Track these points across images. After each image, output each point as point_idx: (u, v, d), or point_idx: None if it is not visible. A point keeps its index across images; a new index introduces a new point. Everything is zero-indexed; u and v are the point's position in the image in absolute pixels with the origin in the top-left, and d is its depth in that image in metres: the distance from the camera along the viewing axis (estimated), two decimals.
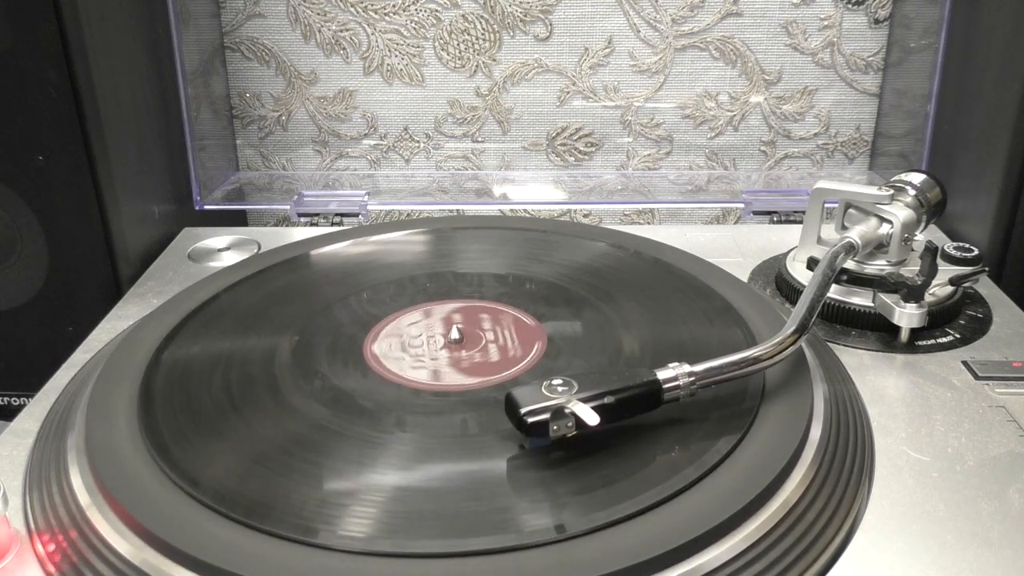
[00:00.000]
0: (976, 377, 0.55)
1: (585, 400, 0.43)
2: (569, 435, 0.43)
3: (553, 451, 0.43)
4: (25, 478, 0.47)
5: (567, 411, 0.42)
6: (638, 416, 0.45)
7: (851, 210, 0.63)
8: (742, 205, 0.85)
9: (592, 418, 0.42)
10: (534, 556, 0.37)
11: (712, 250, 0.73)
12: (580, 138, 0.95)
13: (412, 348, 0.54)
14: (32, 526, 0.43)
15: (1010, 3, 0.70)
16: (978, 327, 0.60)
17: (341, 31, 0.91)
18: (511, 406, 0.43)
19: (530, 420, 0.42)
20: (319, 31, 0.91)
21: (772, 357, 0.47)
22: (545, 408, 0.42)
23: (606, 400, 0.43)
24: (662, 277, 0.63)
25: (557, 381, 0.44)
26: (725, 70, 0.92)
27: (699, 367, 0.46)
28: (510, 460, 0.43)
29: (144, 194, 0.76)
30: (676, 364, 0.46)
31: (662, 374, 0.45)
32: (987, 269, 0.62)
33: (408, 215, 0.98)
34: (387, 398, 0.49)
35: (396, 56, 0.92)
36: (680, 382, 0.45)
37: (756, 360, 0.47)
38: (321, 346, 0.55)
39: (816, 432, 0.46)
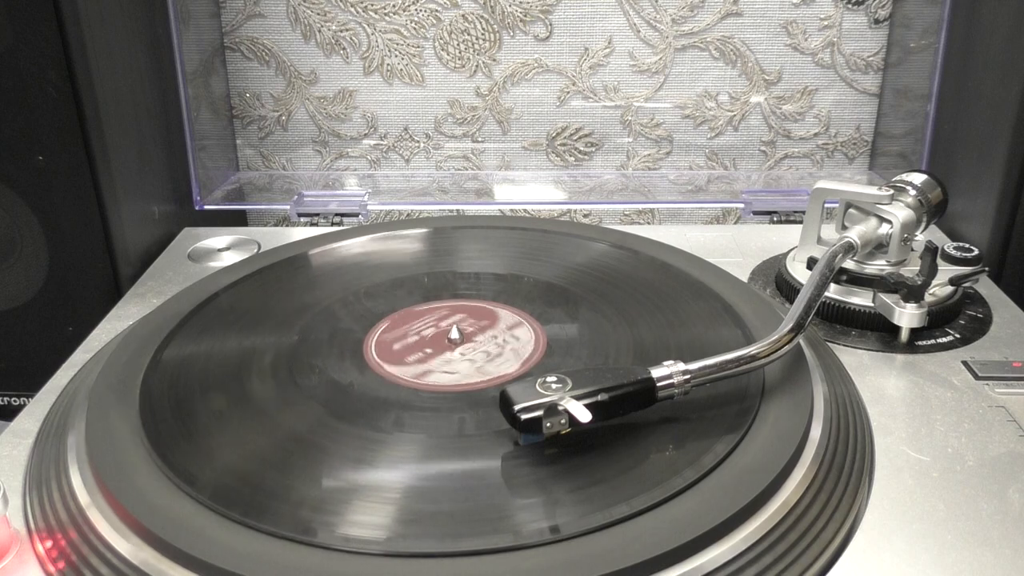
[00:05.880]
0: (976, 377, 0.54)
1: (579, 397, 0.43)
2: (563, 432, 0.43)
3: (549, 449, 0.44)
4: (25, 478, 0.47)
5: (560, 408, 0.42)
6: (639, 416, 0.45)
7: (851, 210, 0.63)
8: (742, 205, 0.85)
9: (584, 415, 0.42)
10: (533, 556, 0.37)
11: (712, 250, 0.73)
12: (580, 138, 0.95)
13: (411, 348, 0.54)
14: (32, 526, 0.43)
15: (1010, 3, 0.70)
16: (978, 327, 0.60)
17: (341, 31, 0.91)
18: (505, 403, 0.43)
19: (523, 417, 0.42)
20: (319, 31, 0.91)
21: (768, 356, 0.47)
22: (538, 405, 0.42)
23: (600, 397, 0.43)
24: (662, 277, 0.63)
25: (551, 378, 0.44)
26: (725, 70, 0.92)
27: (694, 365, 0.46)
28: (509, 460, 0.44)
29: (144, 194, 0.76)
30: (671, 362, 0.46)
31: (656, 372, 0.45)
32: (987, 269, 0.62)
33: (408, 215, 0.98)
34: (386, 398, 0.49)
35: (396, 56, 0.92)
36: (674, 380, 0.45)
37: (752, 358, 0.47)
38: (320, 346, 0.55)
39: (816, 432, 0.46)
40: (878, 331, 0.59)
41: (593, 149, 0.96)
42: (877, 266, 0.61)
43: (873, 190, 0.62)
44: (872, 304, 0.59)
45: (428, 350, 0.54)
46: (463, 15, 0.90)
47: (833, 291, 0.61)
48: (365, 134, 0.96)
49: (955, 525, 0.43)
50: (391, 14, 0.90)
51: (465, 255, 0.69)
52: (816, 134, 0.95)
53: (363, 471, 0.43)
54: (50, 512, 0.43)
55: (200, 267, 0.73)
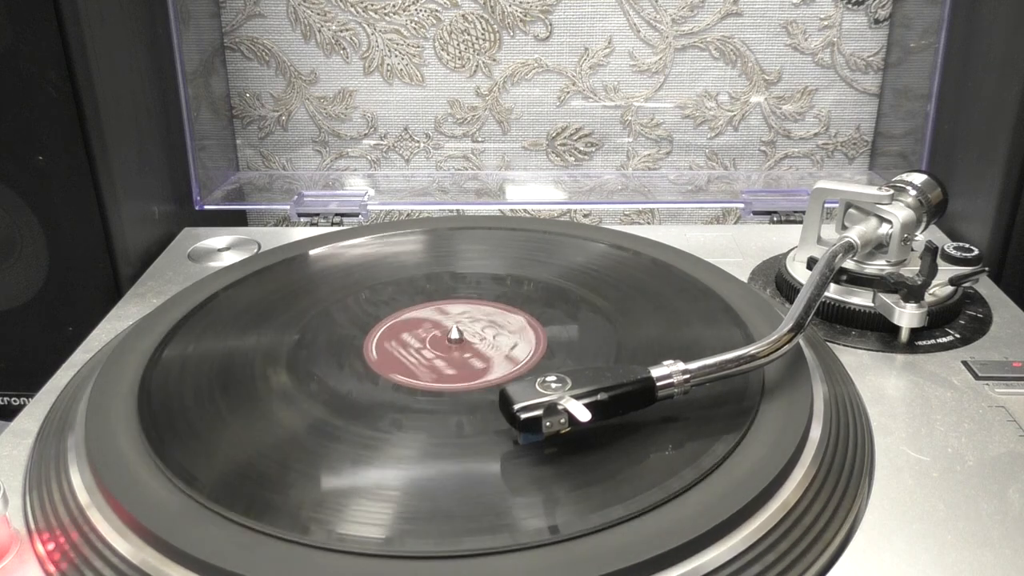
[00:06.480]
0: (976, 377, 0.54)
1: (578, 396, 0.43)
2: (562, 431, 0.43)
3: (549, 448, 0.44)
4: (25, 478, 0.47)
5: (560, 407, 0.42)
6: (639, 416, 0.45)
7: (851, 210, 0.63)
8: (742, 205, 0.85)
9: (583, 414, 0.42)
10: (533, 557, 0.37)
11: (712, 250, 0.73)
12: (580, 138, 0.95)
13: (411, 348, 0.54)
14: (32, 526, 0.43)
15: (1010, 3, 0.70)
16: (978, 327, 0.60)
17: (341, 31, 0.91)
18: (504, 402, 0.43)
19: (523, 416, 0.42)
20: (319, 31, 0.91)
21: (768, 355, 0.47)
22: (538, 404, 0.42)
23: (599, 397, 0.43)
24: (662, 277, 0.63)
25: (551, 377, 0.44)
26: (725, 70, 0.92)
27: (693, 365, 0.46)
28: (508, 461, 0.43)
29: (144, 194, 0.76)
30: (671, 362, 0.46)
31: (656, 371, 0.45)
32: (987, 269, 0.62)
33: (408, 215, 0.98)
34: (385, 398, 0.49)
35: (396, 56, 0.92)
36: (674, 379, 0.45)
37: (752, 358, 0.47)
38: (320, 346, 0.55)
39: (816, 432, 0.46)
40: (878, 331, 0.59)
41: (593, 149, 0.96)
42: (877, 266, 0.61)
43: (873, 190, 0.62)
44: (872, 304, 0.59)
45: (428, 350, 0.54)
46: (463, 15, 0.90)
47: (833, 291, 0.61)
48: (365, 134, 0.96)
49: (955, 525, 0.43)
50: (391, 14, 0.90)
51: (465, 255, 0.69)
52: (816, 134, 0.95)
53: (363, 471, 0.43)
54: (50, 512, 0.43)
55: (200, 267, 0.73)
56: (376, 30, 0.91)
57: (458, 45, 0.91)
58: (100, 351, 0.59)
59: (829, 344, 0.58)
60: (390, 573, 0.37)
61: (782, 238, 0.76)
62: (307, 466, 0.43)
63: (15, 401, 0.74)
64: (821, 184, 0.64)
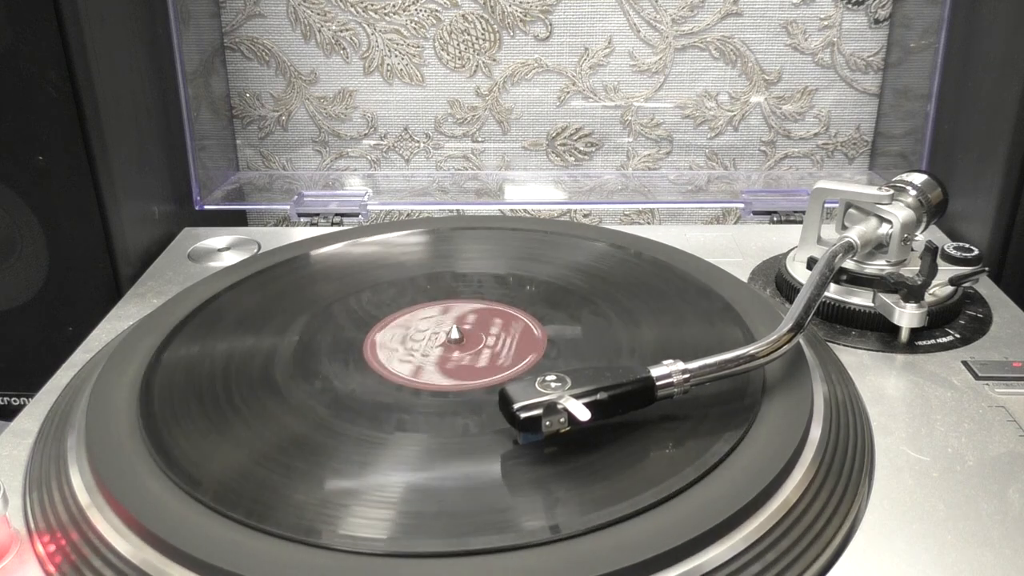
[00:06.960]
0: (976, 377, 0.55)
1: (578, 396, 0.43)
2: (562, 431, 0.43)
3: (549, 448, 0.44)
4: (25, 478, 0.47)
5: (559, 407, 0.42)
6: (639, 415, 0.45)
7: (851, 210, 0.63)
8: (742, 205, 0.85)
9: (583, 413, 0.42)
10: (534, 556, 0.37)
11: (712, 250, 0.73)
12: (580, 138, 0.95)
13: (412, 348, 0.54)
14: (32, 526, 0.43)
15: (1010, 3, 0.70)
16: (978, 327, 0.60)
17: (341, 31, 0.91)
18: (504, 401, 0.43)
19: (523, 415, 0.42)
20: (319, 31, 0.91)
21: (768, 355, 0.47)
22: (538, 403, 0.42)
23: (599, 396, 0.43)
24: (662, 277, 0.63)
25: (551, 377, 0.44)
26: (725, 70, 0.92)
27: (693, 364, 0.46)
28: (510, 460, 0.43)
29: (144, 194, 0.76)
30: (671, 361, 0.46)
31: (656, 371, 0.45)
32: (987, 269, 0.62)
33: (408, 215, 0.98)
34: (387, 398, 0.49)
35: (396, 56, 0.92)
36: (674, 379, 0.45)
37: (751, 358, 0.47)
38: (321, 346, 0.55)
39: (816, 432, 0.46)
40: (878, 331, 0.59)
41: (593, 149, 0.96)
42: (877, 266, 0.61)
43: (873, 190, 0.62)
44: (872, 304, 0.59)
45: (429, 350, 0.54)
46: (463, 15, 0.90)
47: (833, 291, 0.61)
48: (365, 134, 0.96)
49: (955, 525, 0.43)
50: (391, 14, 0.90)
51: (465, 255, 0.69)
52: (816, 134, 0.95)
53: (364, 471, 0.43)
54: (50, 512, 0.43)
55: (200, 267, 0.73)
56: (376, 30, 0.91)
57: (458, 45, 0.91)
58: (100, 351, 0.59)
59: (829, 344, 0.58)
60: (391, 572, 0.37)
61: (782, 238, 0.76)
62: (308, 466, 0.43)
63: (15, 401, 0.74)
64: (821, 184, 0.64)
